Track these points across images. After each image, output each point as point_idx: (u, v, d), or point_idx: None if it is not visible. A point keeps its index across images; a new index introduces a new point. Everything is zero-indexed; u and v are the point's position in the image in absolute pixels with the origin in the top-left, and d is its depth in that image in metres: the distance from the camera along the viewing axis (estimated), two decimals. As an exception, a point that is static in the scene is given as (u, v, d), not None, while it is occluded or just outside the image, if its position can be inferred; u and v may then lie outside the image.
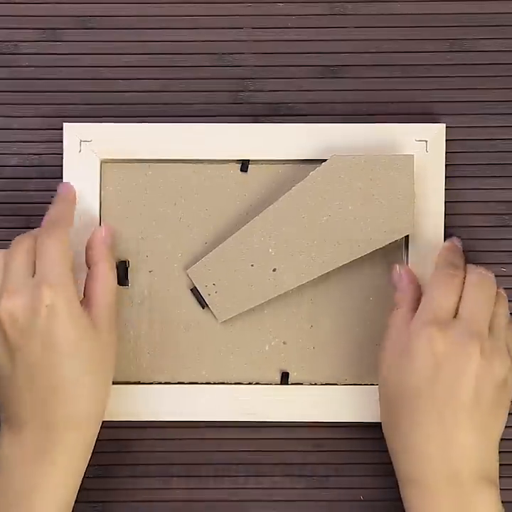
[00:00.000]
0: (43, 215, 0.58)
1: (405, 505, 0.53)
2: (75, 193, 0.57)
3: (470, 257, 0.59)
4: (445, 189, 0.58)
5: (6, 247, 0.59)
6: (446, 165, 0.58)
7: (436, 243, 0.57)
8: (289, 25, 0.60)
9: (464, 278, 0.53)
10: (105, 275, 0.54)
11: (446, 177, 0.58)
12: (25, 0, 0.60)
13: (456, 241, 0.57)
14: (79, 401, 0.51)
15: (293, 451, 0.59)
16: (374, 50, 0.60)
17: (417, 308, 0.53)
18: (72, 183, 0.57)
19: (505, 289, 0.59)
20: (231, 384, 0.58)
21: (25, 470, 0.51)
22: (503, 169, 0.60)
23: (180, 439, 0.59)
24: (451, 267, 0.54)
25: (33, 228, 0.58)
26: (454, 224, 0.59)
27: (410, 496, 0.52)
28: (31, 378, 0.51)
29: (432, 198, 0.58)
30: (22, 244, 0.53)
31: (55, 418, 0.51)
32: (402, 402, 0.51)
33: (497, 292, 0.54)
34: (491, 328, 0.52)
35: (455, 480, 0.50)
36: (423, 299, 0.53)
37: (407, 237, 0.57)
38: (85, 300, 0.53)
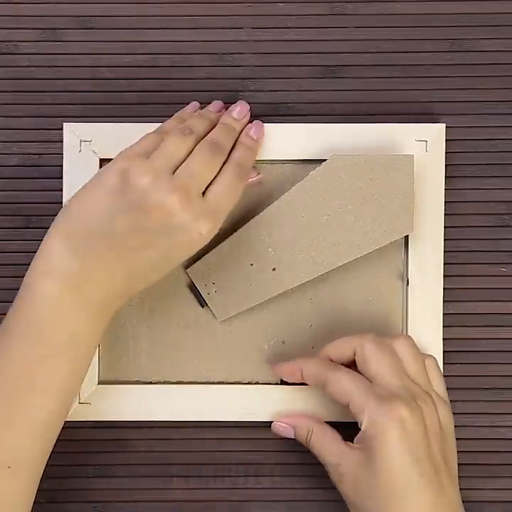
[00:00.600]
0: (44, 215, 0.59)
1: None
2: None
3: (470, 257, 0.59)
4: (445, 189, 0.58)
5: (5, 246, 0.59)
6: (446, 165, 0.58)
7: (436, 243, 0.57)
8: (289, 25, 0.60)
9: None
10: (231, 183, 0.52)
11: (446, 177, 0.58)
12: (25, 0, 0.60)
13: None
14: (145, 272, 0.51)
15: (293, 451, 0.59)
16: (374, 50, 0.60)
17: (322, 424, 0.55)
18: None
19: (505, 289, 0.59)
20: (230, 383, 0.58)
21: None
22: (503, 169, 0.60)
23: (180, 439, 0.59)
24: (330, 364, 0.54)
25: (32, 228, 0.59)
26: (454, 224, 0.59)
27: None
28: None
29: (431, 198, 0.57)
30: (212, 165, 0.52)
31: (92, 254, 0.49)
32: (388, 492, 0.50)
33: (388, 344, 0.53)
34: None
35: None
36: (350, 397, 0.52)
37: (407, 237, 0.57)
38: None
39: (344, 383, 0.52)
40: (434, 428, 0.51)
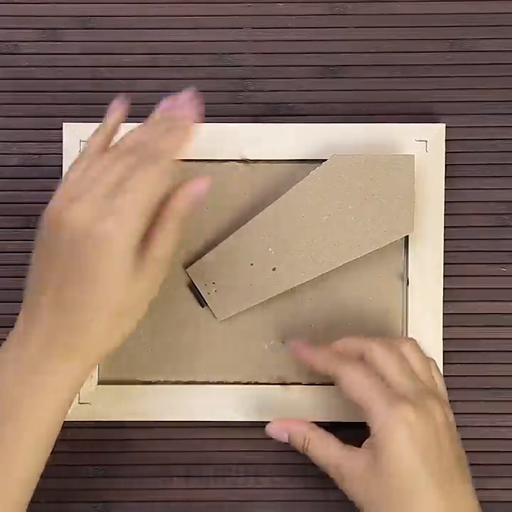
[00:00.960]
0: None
1: None
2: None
3: (470, 257, 0.59)
4: (445, 189, 0.58)
5: (5, 246, 0.59)
6: (446, 165, 0.58)
7: (436, 243, 0.57)
8: (289, 25, 0.60)
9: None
10: (170, 232, 0.48)
11: (446, 177, 0.58)
12: (25, 0, 0.60)
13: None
14: (89, 333, 0.47)
15: (293, 451, 0.59)
16: (374, 50, 0.60)
17: (318, 429, 0.54)
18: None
19: (505, 289, 0.59)
20: (230, 383, 0.58)
21: (22, 377, 0.47)
22: (503, 169, 0.60)
23: (180, 439, 0.59)
24: (344, 358, 0.53)
25: (32, 228, 0.58)
26: (454, 224, 0.59)
27: None
28: (59, 285, 0.47)
29: (431, 198, 0.58)
30: (115, 166, 0.48)
31: (59, 341, 0.47)
32: (399, 491, 0.50)
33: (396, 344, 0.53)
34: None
35: None
36: (360, 397, 0.52)
37: (407, 237, 0.57)
38: (148, 244, 0.48)
39: (355, 380, 0.52)
40: (443, 429, 0.51)
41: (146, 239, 0.47)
